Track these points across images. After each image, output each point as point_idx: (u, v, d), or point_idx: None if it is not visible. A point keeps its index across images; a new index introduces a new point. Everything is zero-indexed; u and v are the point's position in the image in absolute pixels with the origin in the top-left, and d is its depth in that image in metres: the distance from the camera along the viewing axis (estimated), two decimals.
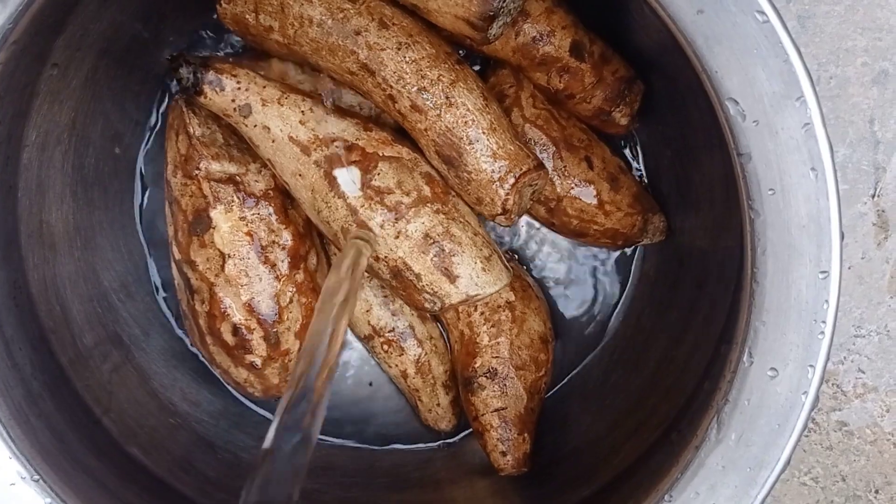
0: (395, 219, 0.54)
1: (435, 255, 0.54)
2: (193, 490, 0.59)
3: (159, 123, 0.68)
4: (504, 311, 0.62)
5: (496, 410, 0.62)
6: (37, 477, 0.48)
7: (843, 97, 0.67)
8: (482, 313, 0.62)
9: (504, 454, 0.62)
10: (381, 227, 0.54)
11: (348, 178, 0.54)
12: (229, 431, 0.67)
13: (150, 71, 0.66)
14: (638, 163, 0.66)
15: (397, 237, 0.54)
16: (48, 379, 0.54)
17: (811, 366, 0.44)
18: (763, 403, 0.45)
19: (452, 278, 0.54)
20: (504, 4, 0.51)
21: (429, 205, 0.54)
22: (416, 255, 0.54)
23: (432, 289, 0.55)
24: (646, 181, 0.65)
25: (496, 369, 0.62)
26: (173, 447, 0.62)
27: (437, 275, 0.54)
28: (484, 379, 0.62)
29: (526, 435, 0.63)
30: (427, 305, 0.56)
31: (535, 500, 0.63)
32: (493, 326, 0.62)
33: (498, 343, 0.62)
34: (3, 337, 0.51)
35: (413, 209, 0.54)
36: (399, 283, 0.56)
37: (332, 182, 0.55)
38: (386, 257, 0.54)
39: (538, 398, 0.64)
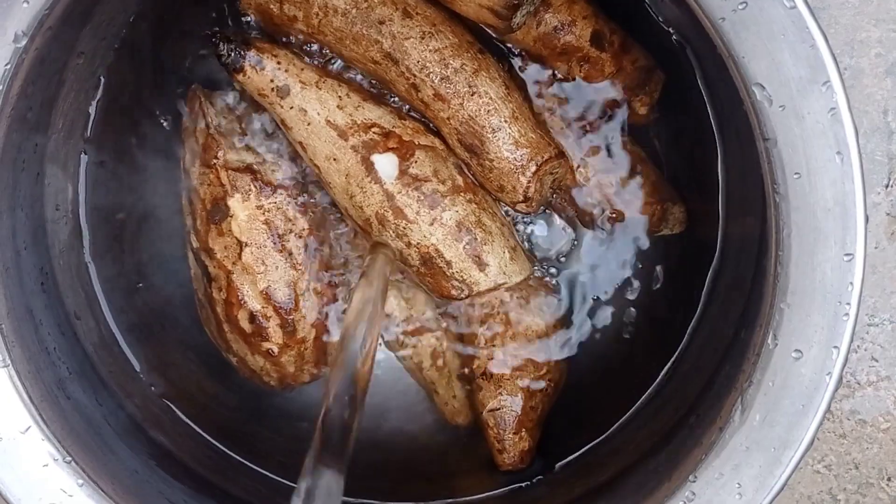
0: (431, 206, 0.55)
1: (467, 244, 0.55)
2: (216, 474, 0.60)
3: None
4: (499, 313, 0.62)
5: (491, 411, 0.62)
6: (69, 459, 0.48)
7: (858, 88, 0.67)
8: (478, 314, 0.63)
9: (500, 452, 0.63)
10: (417, 213, 0.55)
11: (386, 164, 0.55)
12: (247, 422, 0.67)
13: (168, 63, 0.67)
14: (657, 152, 0.66)
15: (432, 224, 0.55)
16: (75, 363, 0.55)
17: (835, 347, 0.44)
18: (787, 385, 0.45)
19: (482, 266, 0.55)
20: None
21: (462, 194, 0.55)
22: (450, 243, 0.55)
23: (462, 276, 0.56)
24: (664, 171, 0.66)
25: (491, 372, 0.62)
26: (194, 434, 0.63)
27: (468, 262, 0.55)
28: (481, 380, 0.62)
29: (524, 433, 0.63)
30: (454, 293, 0.57)
31: (550, 484, 0.63)
32: (488, 329, 0.62)
33: (493, 345, 0.62)
34: (33, 321, 0.52)
35: (448, 198, 0.55)
36: (428, 270, 0.56)
37: (369, 167, 0.55)
38: (419, 244, 0.55)
39: (540, 396, 0.64)
